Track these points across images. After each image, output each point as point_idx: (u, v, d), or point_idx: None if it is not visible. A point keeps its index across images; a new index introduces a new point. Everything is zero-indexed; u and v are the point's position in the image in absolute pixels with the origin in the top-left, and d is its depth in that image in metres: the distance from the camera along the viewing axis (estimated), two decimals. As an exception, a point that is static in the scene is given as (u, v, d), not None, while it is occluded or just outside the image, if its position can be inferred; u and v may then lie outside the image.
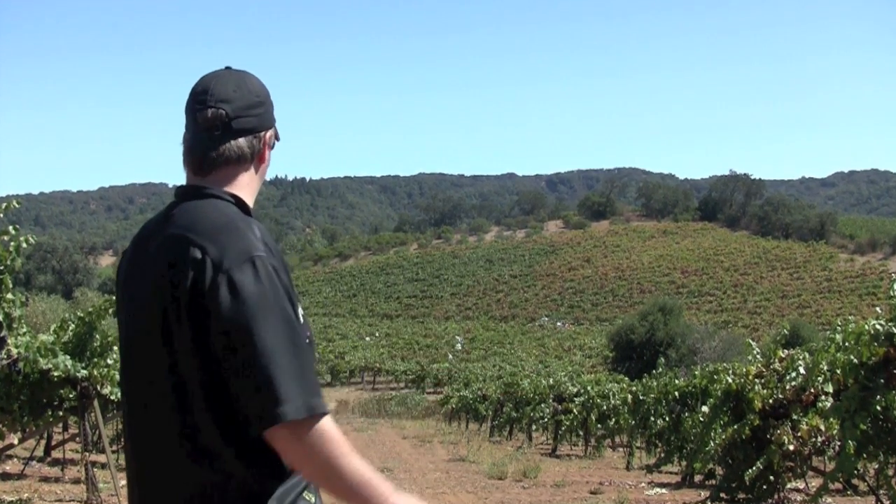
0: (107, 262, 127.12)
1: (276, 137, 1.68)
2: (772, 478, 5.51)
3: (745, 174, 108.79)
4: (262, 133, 1.61)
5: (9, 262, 5.20)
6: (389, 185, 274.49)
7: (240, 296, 1.38)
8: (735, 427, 5.69)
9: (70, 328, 6.81)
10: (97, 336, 6.94)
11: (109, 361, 6.97)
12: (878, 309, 4.81)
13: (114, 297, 6.91)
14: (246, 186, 1.60)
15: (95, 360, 6.84)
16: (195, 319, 1.40)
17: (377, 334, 58.87)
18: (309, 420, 1.36)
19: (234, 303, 1.38)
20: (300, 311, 1.49)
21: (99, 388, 7.05)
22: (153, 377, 1.46)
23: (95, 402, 6.98)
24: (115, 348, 7.30)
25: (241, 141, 1.57)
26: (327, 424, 1.38)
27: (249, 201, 1.59)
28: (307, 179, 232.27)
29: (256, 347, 1.36)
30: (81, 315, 6.87)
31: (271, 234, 1.55)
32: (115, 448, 9.23)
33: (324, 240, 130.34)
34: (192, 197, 1.55)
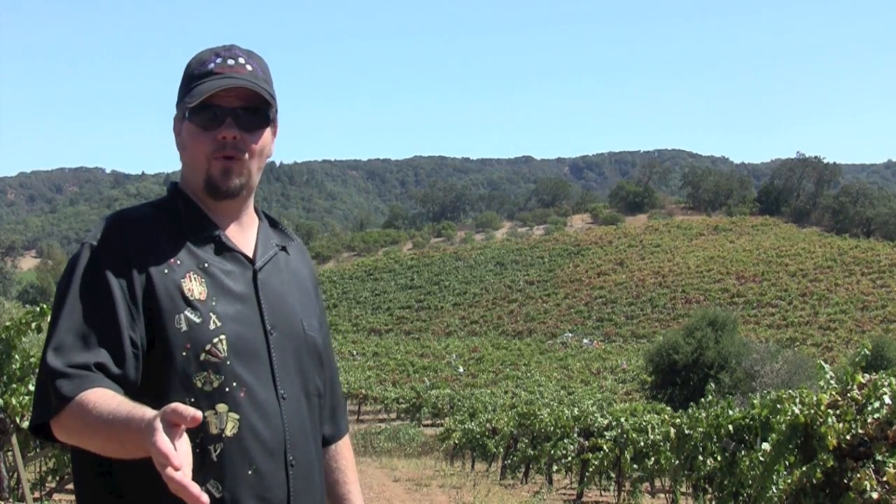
0: (28, 264, 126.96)
1: (224, 120, 1.79)
2: (850, 532, 5.49)
3: (815, 157, 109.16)
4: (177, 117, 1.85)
5: None
6: (378, 170, 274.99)
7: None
8: (804, 469, 5.67)
9: (-19, 347, 6.79)
10: (16, 357, 6.92)
11: (32, 388, 6.95)
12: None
13: (38, 309, 6.96)
14: (181, 178, 1.86)
15: (14, 386, 6.82)
16: None
17: (358, 353, 58.89)
18: (50, 424, 1.59)
19: None
20: (183, 316, 1.67)
21: (18, 420, 7.02)
22: None
23: (14, 439, 6.96)
24: (39, 371, 7.29)
25: None
26: (65, 415, 1.55)
27: (188, 189, 1.84)
28: (277, 164, 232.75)
29: None
30: (-4, 330, 6.85)
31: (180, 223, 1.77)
32: (37, 495, 9.22)
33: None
34: None
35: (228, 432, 1.65)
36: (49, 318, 1.68)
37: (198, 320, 1.67)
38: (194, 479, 1.58)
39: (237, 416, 1.66)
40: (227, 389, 1.66)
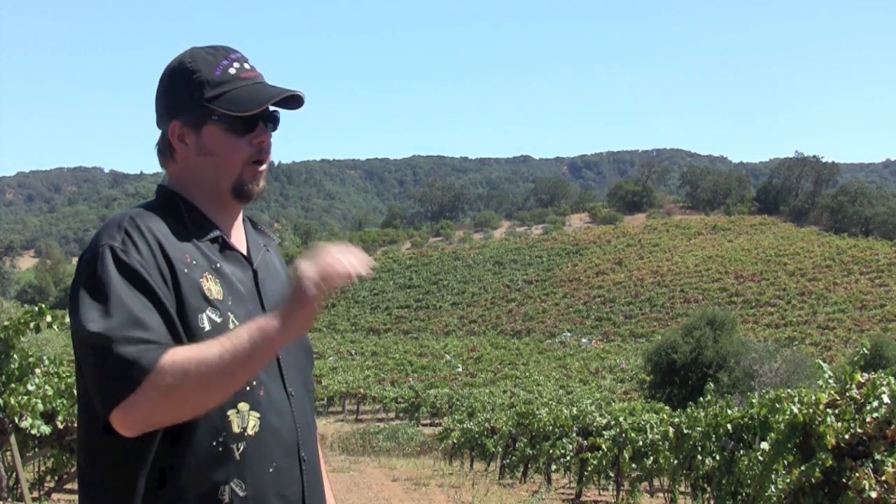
0: (27, 264, 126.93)
1: (233, 122, 1.77)
2: (848, 531, 5.48)
3: (814, 157, 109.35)
4: (167, 126, 1.79)
5: None
6: (376, 170, 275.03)
7: (71, 285, 1.66)
8: (803, 468, 5.67)
9: (-20, 347, 6.78)
10: (15, 356, 6.91)
11: (30, 388, 6.94)
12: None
13: (36, 309, 6.96)
14: (174, 183, 1.82)
15: (13, 385, 6.81)
16: None
17: (357, 353, 58.86)
18: (118, 412, 1.51)
19: (69, 290, 1.67)
20: (205, 315, 1.65)
21: (17, 420, 7.02)
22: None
23: (12, 438, 6.96)
24: (38, 371, 7.29)
25: (163, 136, 1.81)
26: (149, 381, 1.49)
27: (185, 192, 1.80)
28: (276, 163, 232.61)
29: (76, 341, 1.59)
30: (-5, 330, 6.84)
31: (186, 228, 1.74)
32: (35, 494, 9.22)
33: (296, 237, 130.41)
34: None
35: (250, 431, 1.66)
36: (76, 314, 1.57)
37: (219, 320, 1.67)
38: (217, 477, 1.62)
39: (258, 415, 1.68)
40: (247, 388, 1.67)
